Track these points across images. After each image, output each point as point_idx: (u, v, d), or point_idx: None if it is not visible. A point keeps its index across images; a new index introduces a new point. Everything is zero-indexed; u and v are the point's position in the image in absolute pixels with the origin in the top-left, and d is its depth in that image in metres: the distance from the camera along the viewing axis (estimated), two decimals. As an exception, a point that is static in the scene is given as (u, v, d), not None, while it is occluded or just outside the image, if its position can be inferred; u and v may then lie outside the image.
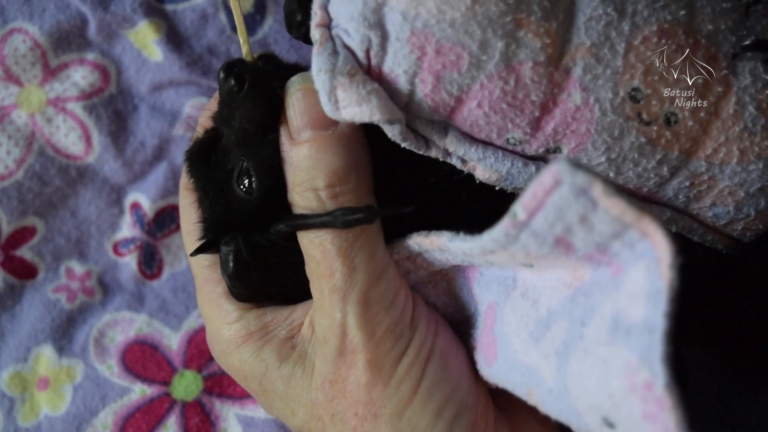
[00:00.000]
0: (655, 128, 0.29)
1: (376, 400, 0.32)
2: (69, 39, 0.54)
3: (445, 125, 0.31)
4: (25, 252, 0.54)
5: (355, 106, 0.29)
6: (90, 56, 0.55)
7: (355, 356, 0.32)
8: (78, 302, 0.54)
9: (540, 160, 0.31)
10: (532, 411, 0.31)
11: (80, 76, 0.54)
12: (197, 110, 0.54)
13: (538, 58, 0.28)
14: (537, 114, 0.29)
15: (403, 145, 0.31)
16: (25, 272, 0.54)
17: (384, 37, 0.29)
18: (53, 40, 0.54)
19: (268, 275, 0.35)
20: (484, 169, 0.31)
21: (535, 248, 0.26)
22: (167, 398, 0.50)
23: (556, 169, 0.23)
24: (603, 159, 0.30)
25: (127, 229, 0.55)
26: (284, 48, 0.55)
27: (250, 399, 0.49)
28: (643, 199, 0.32)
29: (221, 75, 0.33)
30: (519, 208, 0.25)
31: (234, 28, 0.55)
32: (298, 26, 0.33)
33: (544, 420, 0.31)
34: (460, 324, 0.36)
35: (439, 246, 0.32)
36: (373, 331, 0.32)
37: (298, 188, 0.32)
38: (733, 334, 0.37)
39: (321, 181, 0.32)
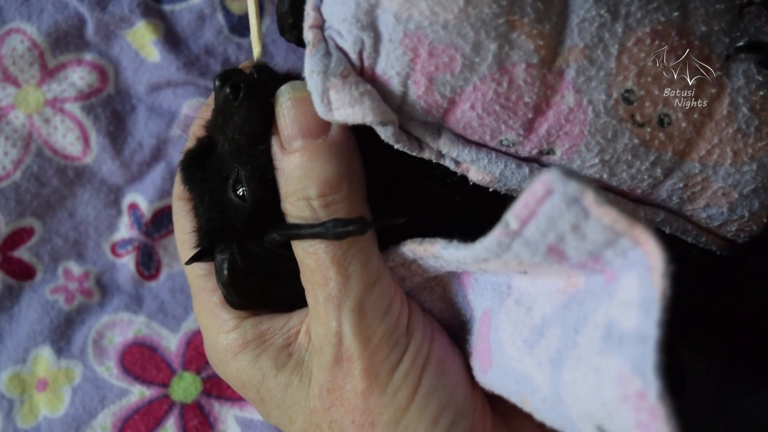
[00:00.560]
0: (649, 130, 0.29)
1: (373, 408, 0.32)
2: (67, 39, 0.54)
3: (439, 127, 0.31)
4: (23, 253, 0.54)
5: (347, 108, 0.29)
6: (88, 57, 0.55)
7: (352, 364, 0.32)
8: (76, 303, 0.54)
9: (533, 161, 0.31)
10: (529, 416, 0.31)
11: (78, 77, 0.54)
12: (195, 111, 0.54)
13: (531, 59, 0.28)
14: (530, 116, 0.29)
15: (396, 146, 0.31)
16: (23, 273, 0.54)
17: (377, 38, 0.29)
18: (51, 40, 0.54)
19: (263, 283, 0.35)
20: (477, 170, 0.31)
21: (528, 257, 0.26)
22: (166, 400, 0.50)
23: (547, 178, 0.23)
24: (596, 161, 0.30)
25: (124, 230, 0.55)
26: (282, 48, 0.55)
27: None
28: (636, 201, 0.32)
29: (217, 83, 0.33)
30: (511, 217, 0.25)
31: (232, 29, 0.55)
32: (290, 29, 0.33)
33: (542, 425, 0.31)
34: (456, 329, 0.36)
35: (433, 253, 0.31)
36: (368, 339, 0.32)
37: (290, 198, 0.32)
38: (729, 335, 0.38)
39: (313, 190, 0.31)
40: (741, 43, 0.29)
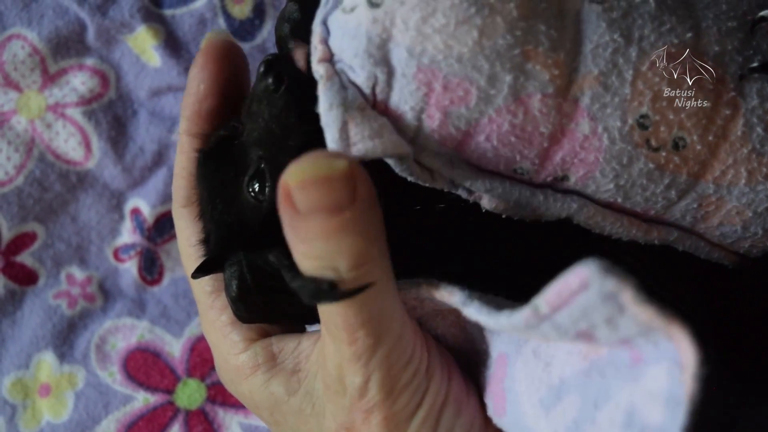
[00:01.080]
0: (664, 154, 0.29)
1: None
2: (68, 45, 0.54)
3: (451, 157, 0.30)
4: (25, 258, 0.54)
5: (367, 141, 0.28)
6: (89, 62, 0.55)
7: (371, 413, 0.31)
8: (79, 308, 0.54)
9: (548, 187, 0.31)
10: None
11: (79, 82, 0.54)
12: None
13: (547, 89, 0.28)
14: (545, 145, 0.29)
15: (409, 178, 0.30)
16: (26, 278, 0.54)
17: (390, 73, 0.28)
18: (52, 45, 0.54)
19: (271, 299, 0.34)
20: (490, 199, 0.30)
21: (556, 337, 0.26)
22: (171, 407, 0.50)
23: (584, 273, 0.22)
24: (611, 186, 0.30)
25: (127, 234, 0.56)
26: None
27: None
28: (649, 221, 0.32)
29: (261, 69, 0.31)
30: (542, 302, 0.24)
31: (233, 33, 0.55)
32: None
33: None
34: (471, 354, 0.36)
35: (451, 304, 0.30)
36: (392, 389, 0.31)
37: (312, 261, 0.27)
38: (736, 340, 0.38)
39: (344, 264, 0.27)
40: (755, 64, 0.28)
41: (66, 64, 0.54)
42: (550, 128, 0.29)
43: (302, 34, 0.31)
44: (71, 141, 0.55)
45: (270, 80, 0.31)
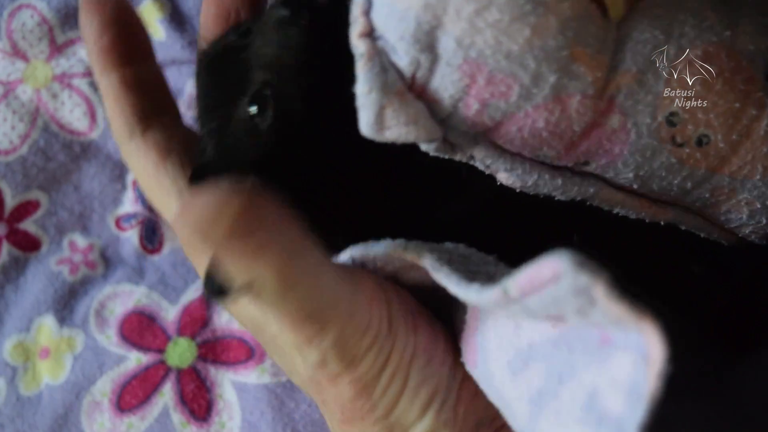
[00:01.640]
0: (687, 150, 0.29)
1: (363, 407, 0.31)
2: (76, 15, 0.55)
3: (476, 135, 0.30)
4: (29, 225, 0.55)
5: (402, 127, 0.28)
6: (95, 33, 0.56)
7: (336, 379, 0.31)
8: (80, 275, 0.55)
9: (568, 170, 0.31)
10: None
11: (86, 53, 0.55)
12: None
13: (588, 91, 0.27)
14: (575, 140, 0.29)
15: (431, 152, 0.30)
16: (29, 245, 0.55)
17: (434, 60, 0.27)
18: (60, 16, 0.55)
19: None
20: (508, 176, 0.30)
21: (524, 316, 0.26)
22: (162, 366, 0.50)
23: (557, 265, 0.22)
24: (631, 175, 0.30)
25: (129, 204, 0.56)
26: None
27: (244, 365, 0.50)
28: (659, 202, 0.32)
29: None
30: (512, 286, 0.24)
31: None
32: None
33: None
34: (444, 299, 0.35)
35: (417, 264, 0.30)
36: (353, 359, 0.30)
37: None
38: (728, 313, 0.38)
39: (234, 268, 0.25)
40: None
41: (74, 35, 0.55)
42: (583, 126, 0.28)
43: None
44: (76, 111, 0.56)
45: (286, 12, 0.30)
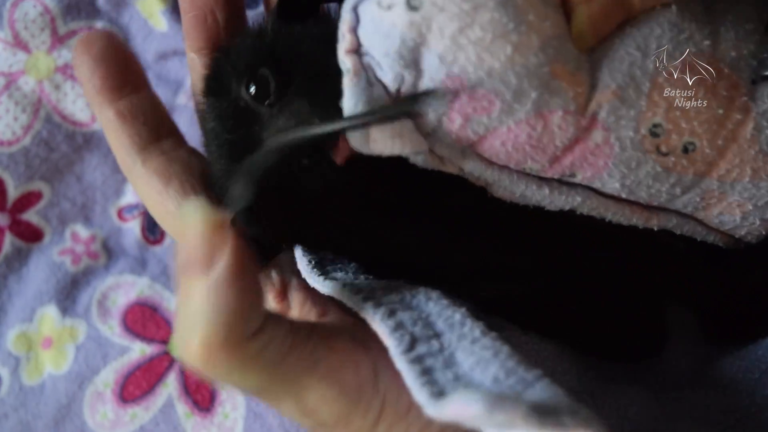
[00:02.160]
0: (673, 158, 0.29)
1: None
2: (78, 6, 0.55)
3: (463, 149, 0.30)
4: (31, 216, 0.55)
5: (387, 140, 0.28)
6: (98, 24, 0.56)
7: None
8: (82, 265, 0.55)
9: (555, 181, 0.31)
10: None
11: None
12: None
13: (569, 107, 0.28)
14: (558, 154, 0.29)
15: (419, 165, 0.30)
16: (32, 235, 0.55)
17: (417, 76, 0.28)
18: (63, 6, 0.55)
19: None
20: (497, 187, 0.31)
21: None
22: (166, 356, 0.51)
23: (473, 409, 0.23)
24: (617, 185, 0.30)
25: (131, 195, 0.57)
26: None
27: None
28: (651, 209, 0.32)
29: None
30: (435, 413, 0.25)
31: None
32: None
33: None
34: None
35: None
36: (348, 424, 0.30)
37: None
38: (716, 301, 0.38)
39: None
40: (767, 72, 0.29)
41: (76, 26, 0.55)
42: (566, 142, 0.29)
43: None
44: (79, 102, 0.56)
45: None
